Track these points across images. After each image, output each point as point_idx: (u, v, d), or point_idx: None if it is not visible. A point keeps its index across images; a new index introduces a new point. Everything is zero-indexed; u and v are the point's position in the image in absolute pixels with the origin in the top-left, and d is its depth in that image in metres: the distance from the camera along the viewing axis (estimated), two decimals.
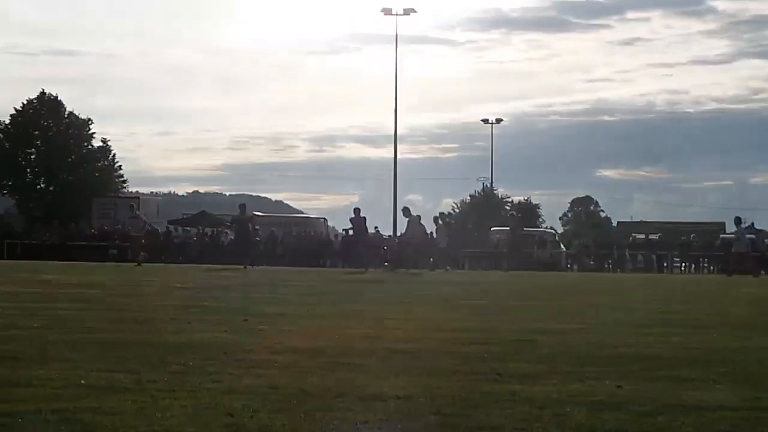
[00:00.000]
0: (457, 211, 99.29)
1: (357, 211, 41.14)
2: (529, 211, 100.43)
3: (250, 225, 40.98)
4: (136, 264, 37.42)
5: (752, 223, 53.98)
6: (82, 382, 6.62)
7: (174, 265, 42.13)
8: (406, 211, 41.83)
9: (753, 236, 46.25)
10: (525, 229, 70.40)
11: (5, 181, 78.65)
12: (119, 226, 54.00)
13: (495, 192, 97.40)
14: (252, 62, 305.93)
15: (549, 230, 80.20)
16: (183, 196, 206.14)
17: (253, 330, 10.52)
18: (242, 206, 40.89)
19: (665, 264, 57.54)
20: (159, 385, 6.54)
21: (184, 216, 70.37)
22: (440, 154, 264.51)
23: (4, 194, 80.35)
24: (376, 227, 43.47)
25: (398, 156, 70.11)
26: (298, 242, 55.65)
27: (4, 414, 5.51)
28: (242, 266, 35.67)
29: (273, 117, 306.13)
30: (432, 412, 5.79)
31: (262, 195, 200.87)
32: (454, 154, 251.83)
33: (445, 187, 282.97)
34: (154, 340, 9.31)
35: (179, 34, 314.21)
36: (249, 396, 6.20)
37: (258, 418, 5.55)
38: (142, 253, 39.81)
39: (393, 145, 70.17)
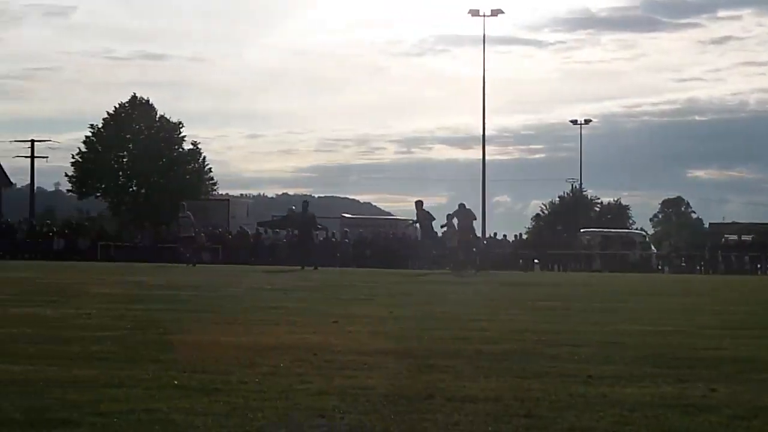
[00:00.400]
0: (546, 212, 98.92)
1: (419, 204, 38.03)
2: (619, 213, 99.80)
3: (311, 225, 39.76)
4: (191, 264, 37.98)
5: None
6: (175, 382, 6.69)
7: (254, 266, 42.31)
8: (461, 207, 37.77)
9: None
10: (613, 230, 69.97)
11: (98, 184, 79.86)
12: (210, 228, 54.63)
13: (584, 193, 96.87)
14: (339, 64, 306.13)
15: (639, 231, 79.56)
16: (272, 198, 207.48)
17: (342, 331, 10.55)
18: (305, 204, 40.20)
19: (758, 265, 56.70)
20: (250, 386, 6.59)
21: (274, 218, 70.86)
22: (528, 155, 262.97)
23: (97, 197, 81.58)
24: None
25: (486, 157, 69.85)
26: (386, 244, 55.70)
27: (99, 414, 5.59)
28: (300, 267, 35.26)
29: (361, 119, 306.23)
30: (522, 413, 5.76)
31: (350, 197, 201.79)
32: (542, 155, 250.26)
33: (533, 189, 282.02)
34: (243, 341, 9.38)
35: (268, 36, 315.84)
36: (339, 397, 6.22)
37: (348, 420, 5.57)
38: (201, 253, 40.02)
39: (481, 147, 69.92)
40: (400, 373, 7.37)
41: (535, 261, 57.35)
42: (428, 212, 38.22)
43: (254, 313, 12.98)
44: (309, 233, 39.34)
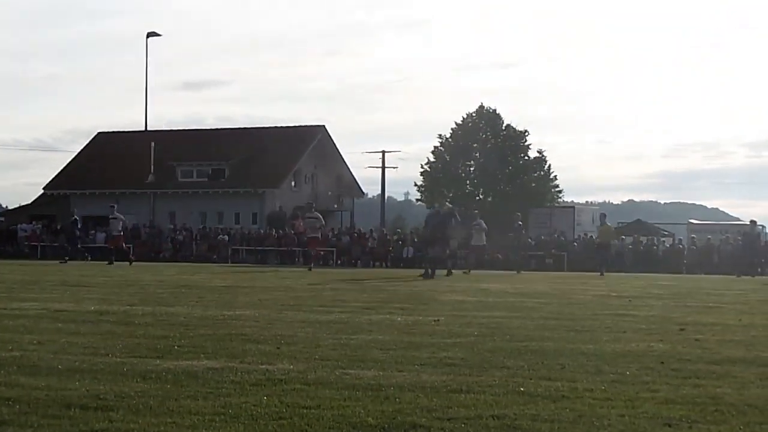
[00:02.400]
0: None
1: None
2: None
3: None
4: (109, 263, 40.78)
5: None
6: (521, 389, 6.79)
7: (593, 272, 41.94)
8: None
9: None
10: None
11: (446, 192, 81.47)
12: (556, 235, 54.66)
13: None
14: (690, 68, 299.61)
15: None
16: (618, 204, 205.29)
17: (689, 340, 10.37)
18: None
19: None
20: (596, 394, 6.60)
21: (620, 224, 70.23)
22: None
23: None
24: None
25: None
26: (734, 250, 54.07)
27: (448, 419, 5.76)
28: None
29: (710, 124, 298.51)
30: None
31: (698, 202, 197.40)
32: None
33: None
34: (589, 348, 9.38)
35: (617, 42, 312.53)
36: (687, 406, 6.15)
37: (697, 429, 5.50)
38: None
39: None
40: (750, 383, 7.19)
41: None
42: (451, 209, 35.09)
43: (601, 321, 12.93)
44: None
